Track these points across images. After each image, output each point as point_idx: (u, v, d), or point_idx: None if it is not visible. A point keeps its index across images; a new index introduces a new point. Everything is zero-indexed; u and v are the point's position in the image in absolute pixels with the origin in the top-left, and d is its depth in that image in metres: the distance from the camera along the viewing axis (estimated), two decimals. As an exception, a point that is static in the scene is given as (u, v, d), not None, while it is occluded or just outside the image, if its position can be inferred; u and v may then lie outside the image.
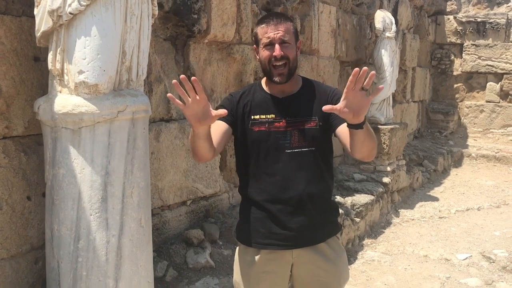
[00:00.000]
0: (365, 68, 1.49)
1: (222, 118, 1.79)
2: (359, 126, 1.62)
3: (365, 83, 1.51)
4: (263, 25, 1.82)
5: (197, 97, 1.53)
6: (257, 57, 1.89)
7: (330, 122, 1.83)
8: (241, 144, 1.90)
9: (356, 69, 1.50)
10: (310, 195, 1.84)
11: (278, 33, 1.78)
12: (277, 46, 1.78)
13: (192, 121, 1.59)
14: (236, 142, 1.94)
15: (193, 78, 1.50)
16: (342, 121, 1.76)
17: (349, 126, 1.64)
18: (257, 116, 1.85)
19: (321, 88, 1.93)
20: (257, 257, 1.88)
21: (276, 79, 1.81)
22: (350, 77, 1.50)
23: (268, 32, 1.79)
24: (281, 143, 1.82)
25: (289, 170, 1.82)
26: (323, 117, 1.84)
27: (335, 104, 1.67)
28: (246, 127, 1.86)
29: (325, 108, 1.57)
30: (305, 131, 1.83)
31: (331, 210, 1.97)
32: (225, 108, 1.84)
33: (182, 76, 1.50)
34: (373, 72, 1.52)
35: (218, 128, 1.82)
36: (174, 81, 1.53)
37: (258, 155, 1.85)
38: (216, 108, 1.89)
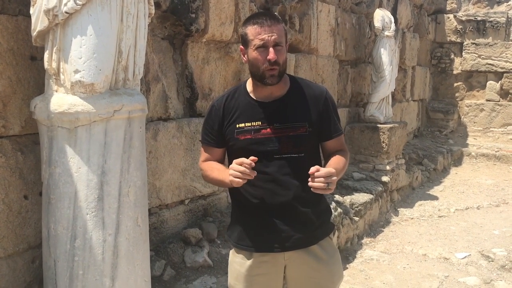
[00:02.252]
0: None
1: (214, 145, 1.89)
2: None
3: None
4: (255, 26, 1.73)
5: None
6: (244, 58, 1.81)
7: (320, 130, 1.84)
8: (229, 151, 1.89)
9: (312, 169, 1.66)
10: (301, 201, 1.81)
11: (272, 36, 1.71)
12: (271, 49, 1.71)
13: (235, 184, 1.70)
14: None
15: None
16: (331, 135, 1.88)
17: None
18: (242, 125, 1.80)
19: (310, 90, 1.87)
20: (250, 260, 1.87)
21: (269, 80, 1.75)
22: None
23: (262, 33, 1.71)
24: (269, 149, 1.79)
25: (279, 175, 1.80)
26: (313, 123, 1.82)
27: (325, 111, 1.85)
28: (232, 135, 1.82)
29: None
30: (294, 138, 1.79)
31: (323, 212, 1.94)
32: (211, 134, 1.89)
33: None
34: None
35: (218, 155, 1.91)
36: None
37: None
38: (202, 131, 1.93)
